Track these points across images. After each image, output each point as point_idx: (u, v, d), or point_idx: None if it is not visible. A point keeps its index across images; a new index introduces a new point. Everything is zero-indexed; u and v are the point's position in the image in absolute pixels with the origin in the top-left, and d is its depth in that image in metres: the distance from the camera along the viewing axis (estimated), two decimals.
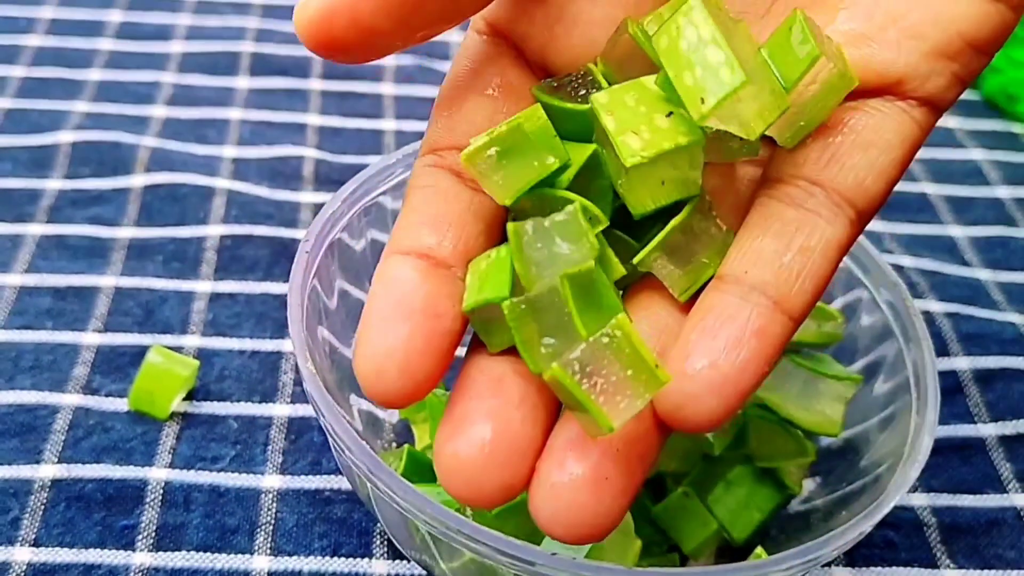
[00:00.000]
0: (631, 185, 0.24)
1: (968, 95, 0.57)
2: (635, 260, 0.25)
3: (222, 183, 0.46)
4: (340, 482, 0.35)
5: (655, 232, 0.25)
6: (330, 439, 0.29)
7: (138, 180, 0.46)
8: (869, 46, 0.25)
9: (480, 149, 0.24)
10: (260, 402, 0.38)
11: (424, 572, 0.33)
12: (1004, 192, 0.50)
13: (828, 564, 0.34)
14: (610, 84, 0.25)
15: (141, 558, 0.33)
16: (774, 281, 0.23)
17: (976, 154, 0.53)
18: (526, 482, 0.23)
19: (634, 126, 0.23)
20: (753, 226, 0.24)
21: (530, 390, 0.23)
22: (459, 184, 0.25)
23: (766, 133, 0.24)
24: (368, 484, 0.28)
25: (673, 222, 0.24)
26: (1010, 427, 0.39)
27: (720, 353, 0.22)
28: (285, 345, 0.40)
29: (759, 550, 0.29)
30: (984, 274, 0.46)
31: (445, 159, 0.26)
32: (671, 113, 0.23)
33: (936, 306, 0.43)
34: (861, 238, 0.34)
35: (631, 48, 0.25)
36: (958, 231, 0.48)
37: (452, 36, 0.58)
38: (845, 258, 0.34)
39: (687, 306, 0.24)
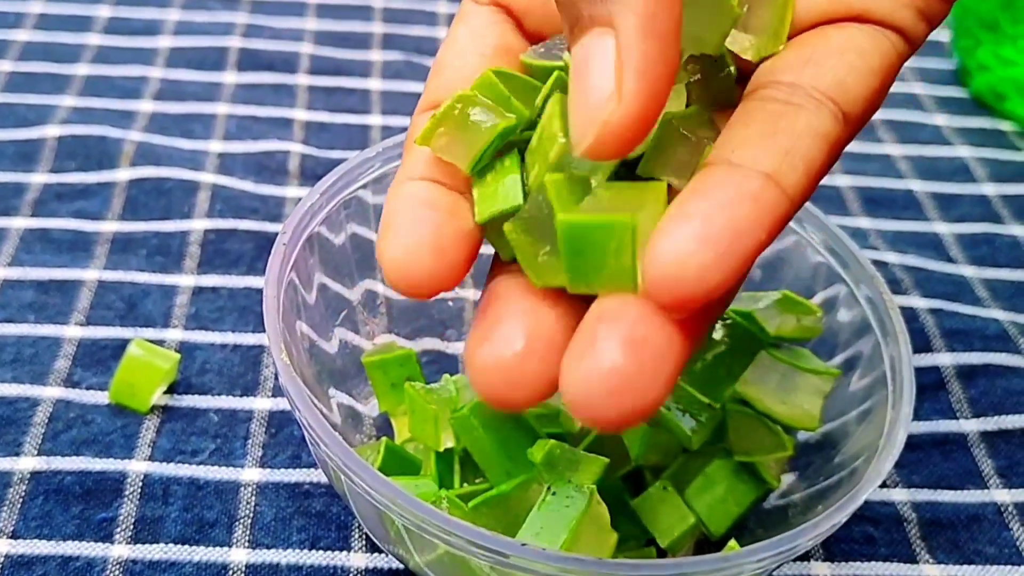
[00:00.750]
0: None
1: (956, 93, 0.57)
2: (638, 171, 0.24)
3: (207, 177, 0.46)
4: (319, 476, 0.35)
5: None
6: (304, 432, 0.29)
7: (123, 174, 0.46)
8: None
9: (430, 129, 0.24)
10: (241, 396, 0.38)
11: (401, 566, 0.33)
12: (990, 189, 0.50)
13: (807, 559, 0.34)
14: None
15: (119, 550, 0.33)
16: (764, 157, 0.22)
17: (963, 151, 0.53)
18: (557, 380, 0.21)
19: None
20: (736, 121, 0.23)
21: (560, 296, 0.22)
22: None
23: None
24: (342, 477, 0.28)
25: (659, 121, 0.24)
26: (992, 423, 0.39)
27: (714, 210, 0.20)
28: (267, 339, 0.40)
29: (732, 542, 0.29)
30: (969, 271, 0.46)
31: None
32: None
33: (920, 302, 0.43)
34: (842, 233, 0.35)
35: None
36: (944, 228, 0.48)
37: (439, 32, 0.58)
38: (825, 253, 0.34)
39: None
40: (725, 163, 0.22)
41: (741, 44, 0.25)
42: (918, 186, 0.50)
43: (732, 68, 0.25)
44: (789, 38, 0.25)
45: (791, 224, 0.35)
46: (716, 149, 0.23)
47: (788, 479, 0.34)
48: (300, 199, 0.45)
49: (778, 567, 0.29)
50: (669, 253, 0.20)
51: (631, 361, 0.20)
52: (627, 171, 0.25)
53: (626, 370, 0.20)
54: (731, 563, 0.26)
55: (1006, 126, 0.55)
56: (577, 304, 0.22)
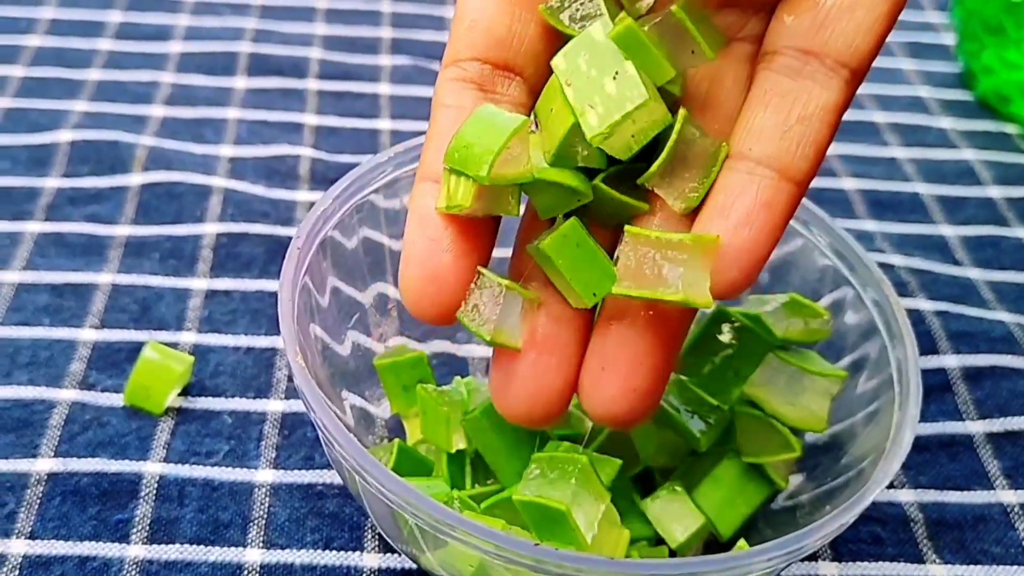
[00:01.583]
0: (608, 145, 0.26)
1: (961, 96, 0.57)
2: (640, 180, 0.27)
3: (219, 182, 0.46)
4: (332, 476, 0.36)
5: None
6: (320, 433, 0.29)
7: (136, 179, 0.46)
8: None
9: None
10: (254, 398, 0.38)
11: (414, 566, 0.33)
12: (996, 192, 0.51)
13: (815, 558, 0.35)
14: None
15: (135, 551, 0.33)
16: (776, 153, 0.26)
17: (968, 154, 0.53)
18: (568, 400, 0.28)
19: (590, 98, 0.25)
20: (755, 102, 0.26)
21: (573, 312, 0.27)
22: (482, 101, 0.27)
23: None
24: (357, 478, 0.28)
25: (667, 146, 0.26)
26: (998, 424, 0.39)
27: (733, 230, 0.25)
28: (279, 341, 0.40)
29: (742, 542, 0.30)
30: (974, 273, 0.46)
31: (467, 71, 0.27)
32: (617, 74, 0.25)
33: (926, 304, 0.44)
34: (848, 236, 0.35)
35: None
36: (949, 230, 0.48)
37: (448, 37, 0.58)
38: (832, 256, 0.35)
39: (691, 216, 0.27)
40: (741, 160, 0.26)
41: None
42: (924, 189, 0.51)
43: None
44: None
45: (798, 227, 0.36)
46: (735, 138, 0.26)
47: (796, 480, 0.34)
48: (311, 202, 0.46)
49: (786, 567, 0.29)
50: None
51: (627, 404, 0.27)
52: (626, 176, 0.26)
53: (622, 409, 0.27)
54: (740, 563, 0.26)
55: (1011, 129, 0.55)
56: (579, 326, 0.27)
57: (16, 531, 0.33)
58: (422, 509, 0.26)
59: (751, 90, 0.27)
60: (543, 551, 0.25)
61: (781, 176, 0.26)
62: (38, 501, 0.34)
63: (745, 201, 0.25)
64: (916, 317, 0.43)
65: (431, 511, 0.26)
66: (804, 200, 0.36)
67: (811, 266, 0.36)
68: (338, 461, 0.30)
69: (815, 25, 0.26)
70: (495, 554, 0.26)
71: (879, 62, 0.61)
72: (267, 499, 0.35)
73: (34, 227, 0.44)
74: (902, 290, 0.44)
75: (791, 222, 0.36)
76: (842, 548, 0.35)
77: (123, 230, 0.44)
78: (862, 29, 0.26)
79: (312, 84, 0.53)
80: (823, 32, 0.26)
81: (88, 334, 0.39)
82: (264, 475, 0.36)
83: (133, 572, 0.32)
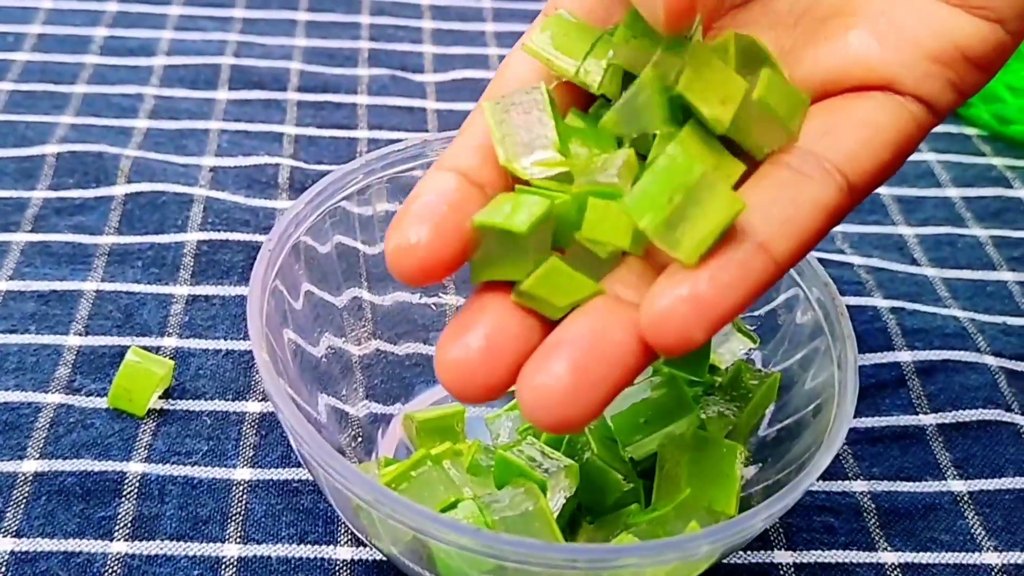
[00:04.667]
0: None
1: None
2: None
3: (200, 192, 0.48)
4: (307, 474, 0.37)
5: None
6: (278, 414, 0.30)
7: (120, 189, 0.48)
8: (870, 47, 0.27)
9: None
10: (233, 400, 0.40)
11: (384, 558, 0.35)
12: (954, 192, 0.52)
13: (770, 548, 0.36)
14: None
15: (118, 547, 0.35)
16: (760, 225, 0.25)
17: (929, 156, 0.55)
18: (509, 383, 0.25)
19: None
20: (749, 184, 0.26)
21: (529, 313, 0.26)
22: None
23: None
24: (303, 450, 0.29)
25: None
26: (949, 417, 0.41)
27: (703, 279, 0.24)
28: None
29: (694, 523, 0.31)
30: (931, 271, 0.48)
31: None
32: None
33: (883, 302, 0.45)
34: None
35: None
36: (908, 230, 0.50)
37: (424, 48, 0.60)
38: None
39: None
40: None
41: None
42: (884, 190, 0.52)
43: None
44: (819, 99, 0.27)
45: None
46: None
47: (751, 471, 0.36)
48: None
49: (728, 554, 0.31)
50: (657, 308, 0.24)
51: (574, 381, 0.24)
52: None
53: (567, 388, 0.24)
54: (672, 549, 0.27)
55: (971, 131, 0.57)
56: (542, 323, 0.26)
57: (3, 529, 0.35)
58: (361, 487, 0.28)
59: (749, 179, 0.26)
60: (483, 534, 0.27)
61: (760, 248, 0.25)
62: (24, 500, 0.35)
63: (719, 255, 0.24)
64: (872, 314, 0.44)
65: (370, 491, 0.27)
66: None
67: None
68: (289, 430, 0.30)
69: (821, 131, 0.26)
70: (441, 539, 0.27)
71: None
72: (244, 496, 0.36)
73: (21, 237, 0.45)
74: (859, 289, 0.46)
75: None
76: (796, 537, 0.37)
77: (107, 239, 0.45)
78: (866, 146, 0.26)
79: (292, 96, 0.55)
80: (826, 139, 0.26)
81: (73, 340, 0.41)
82: (242, 473, 0.37)
83: (116, 567, 0.34)
